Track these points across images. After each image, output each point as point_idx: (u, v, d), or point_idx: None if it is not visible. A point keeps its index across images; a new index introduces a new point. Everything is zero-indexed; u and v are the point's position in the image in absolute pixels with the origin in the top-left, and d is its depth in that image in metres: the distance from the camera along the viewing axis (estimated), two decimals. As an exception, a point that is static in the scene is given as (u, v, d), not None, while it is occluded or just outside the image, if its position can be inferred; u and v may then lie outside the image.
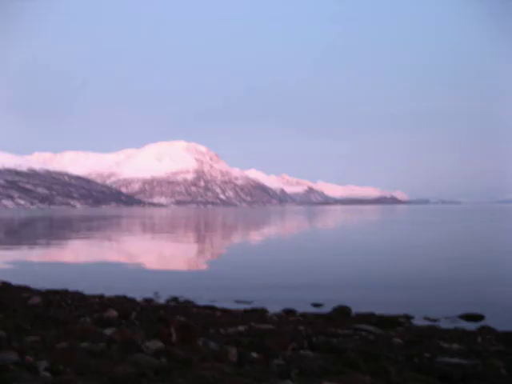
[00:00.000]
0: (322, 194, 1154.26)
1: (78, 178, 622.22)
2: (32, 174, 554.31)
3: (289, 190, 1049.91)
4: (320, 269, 23.93)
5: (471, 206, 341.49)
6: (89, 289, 17.23)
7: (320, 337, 9.88)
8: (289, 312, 14.00)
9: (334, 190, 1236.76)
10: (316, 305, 15.38)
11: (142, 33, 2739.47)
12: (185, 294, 16.79)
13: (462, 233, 53.97)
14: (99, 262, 27.80)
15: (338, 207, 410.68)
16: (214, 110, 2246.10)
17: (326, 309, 14.44)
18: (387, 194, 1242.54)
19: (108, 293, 16.61)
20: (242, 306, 14.83)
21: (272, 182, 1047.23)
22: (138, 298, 15.98)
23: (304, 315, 13.48)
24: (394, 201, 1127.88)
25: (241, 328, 10.53)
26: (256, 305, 14.95)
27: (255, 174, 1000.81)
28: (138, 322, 10.79)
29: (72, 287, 17.29)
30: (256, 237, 49.97)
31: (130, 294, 16.31)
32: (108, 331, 8.84)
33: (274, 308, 14.39)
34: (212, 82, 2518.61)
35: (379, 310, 13.66)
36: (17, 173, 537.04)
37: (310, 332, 10.31)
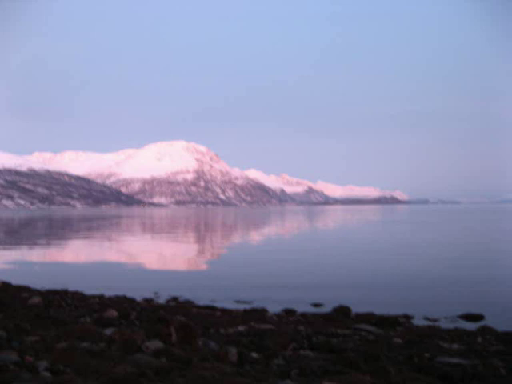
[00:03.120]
0: (321, 194, 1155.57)
1: (78, 177, 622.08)
2: (32, 174, 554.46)
3: (289, 190, 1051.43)
4: (320, 269, 23.93)
5: (471, 206, 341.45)
6: (89, 289, 17.24)
7: (320, 337, 9.88)
8: (289, 312, 14.00)
9: (333, 190, 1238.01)
10: (316, 305, 15.38)
11: (141, 33, 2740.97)
12: (185, 294, 16.79)
13: (462, 233, 53.97)
14: (99, 261, 27.81)
15: (338, 207, 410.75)
16: (213, 109, 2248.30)
17: (326, 309, 14.43)
18: (387, 193, 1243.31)
19: (108, 293, 16.61)
20: (242, 306, 14.83)
21: (272, 182, 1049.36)
22: (138, 298, 15.98)
23: (304, 315, 13.48)
24: (393, 201, 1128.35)
25: (241, 328, 10.53)
26: (256, 305, 14.94)
27: (255, 174, 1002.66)
28: (138, 322, 10.79)
29: (72, 287, 17.29)
30: (256, 237, 49.97)
31: (129, 294, 16.31)
32: (108, 331, 8.84)
33: (274, 308, 14.39)
34: (212, 81, 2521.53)
35: (379, 310, 13.65)
36: (17, 173, 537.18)
37: (309, 332, 10.31)
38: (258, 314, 13.29)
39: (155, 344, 7.71)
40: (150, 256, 31.60)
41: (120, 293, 16.56)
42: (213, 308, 14.16)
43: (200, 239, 48.37)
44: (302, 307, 14.70)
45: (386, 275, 21.55)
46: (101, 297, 15.83)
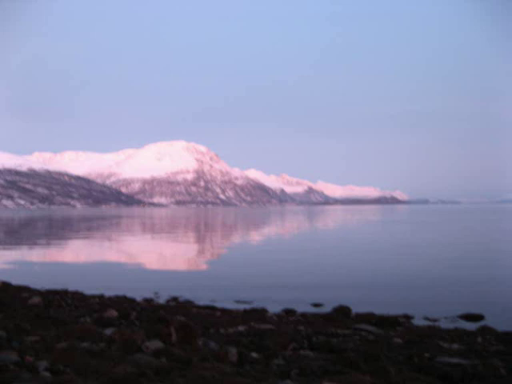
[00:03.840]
0: (321, 194, 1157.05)
1: (78, 177, 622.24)
2: (32, 174, 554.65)
3: (289, 190, 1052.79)
4: (320, 269, 23.93)
5: (471, 206, 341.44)
6: (89, 289, 17.24)
7: (320, 337, 9.88)
8: (289, 312, 14.00)
9: (333, 190, 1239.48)
10: (316, 305, 15.38)
11: (141, 33, 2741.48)
12: (185, 294, 16.79)
13: (462, 233, 53.98)
14: (99, 261, 27.81)
15: (338, 207, 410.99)
16: (213, 109, 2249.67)
17: (326, 309, 14.43)
18: (387, 194, 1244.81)
19: (108, 293, 16.62)
20: (242, 306, 14.82)
21: (272, 182, 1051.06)
22: (138, 298, 15.98)
23: (304, 315, 13.48)
24: (393, 201, 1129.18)
25: (241, 328, 10.53)
26: (256, 305, 14.94)
27: (255, 174, 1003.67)
28: (138, 322, 10.79)
29: (72, 287, 17.29)
30: (256, 237, 49.97)
31: (129, 294, 16.31)
32: (108, 331, 8.84)
33: (274, 308, 14.39)
34: (212, 81, 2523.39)
35: (379, 310, 13.65)
36: (17, 173, 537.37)
37: (310, 332, 10.31)
38: (258, 314, 13.29)
39: (155, 344, 7.71)
40: (150, 256, 31.61)
41: (120, 293, 16.57)
42: (213, 308, 14.16)
43: (200, 239, 48.38)
44: (302, 307, 14.71)
45: (386, 275, 21.56)
46: (101, 297, 15.83)
